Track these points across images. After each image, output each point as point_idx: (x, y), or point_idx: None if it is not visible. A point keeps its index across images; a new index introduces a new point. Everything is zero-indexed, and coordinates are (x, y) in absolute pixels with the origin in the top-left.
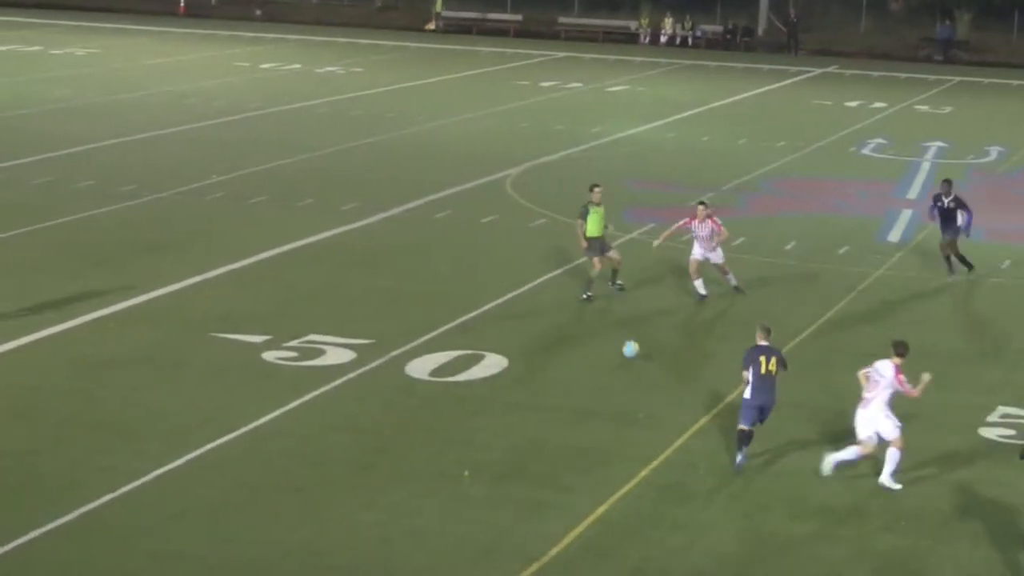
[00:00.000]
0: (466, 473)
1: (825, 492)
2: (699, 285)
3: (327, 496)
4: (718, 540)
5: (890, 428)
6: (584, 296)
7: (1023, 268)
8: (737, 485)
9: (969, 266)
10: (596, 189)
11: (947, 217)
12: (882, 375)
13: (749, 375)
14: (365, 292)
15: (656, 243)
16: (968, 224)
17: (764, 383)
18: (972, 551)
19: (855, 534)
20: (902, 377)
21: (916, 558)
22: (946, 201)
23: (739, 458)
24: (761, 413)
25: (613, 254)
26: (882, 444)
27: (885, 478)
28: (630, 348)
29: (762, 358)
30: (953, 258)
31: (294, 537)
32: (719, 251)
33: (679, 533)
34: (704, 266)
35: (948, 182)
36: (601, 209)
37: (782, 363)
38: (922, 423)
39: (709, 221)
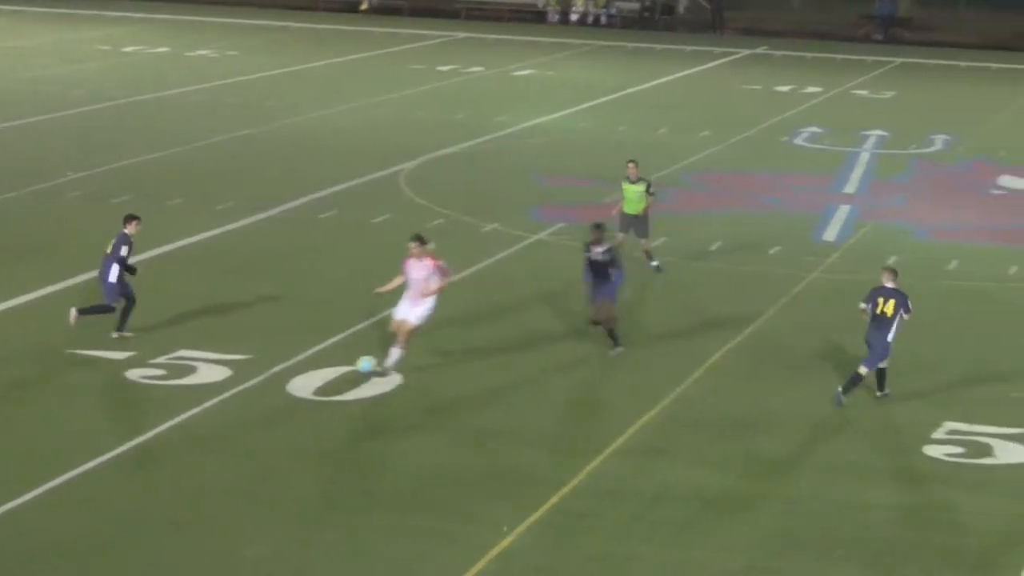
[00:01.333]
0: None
1: (755, 520)
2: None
3: (205, 530)
4: (639, 574)
5: None
6: (653, 265)
7: (971, 269)
8: (659, 513)
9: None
10: (630, 163)
11: None
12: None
13: (867, 311)
14: (242, 302)
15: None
16: None
17: (878, 323)
18: None
19: (790, 566)
20: None
21: None
22: None
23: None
24: (870, 350)
25: (644, 241)
26: None
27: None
28: (366, 364)
29: (880, 299)
30: None
31: None
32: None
33: (595, 567)
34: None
35: None
36: (641, 186)
37: (902, 306)
38: (863, 441)
39: (428, 261)
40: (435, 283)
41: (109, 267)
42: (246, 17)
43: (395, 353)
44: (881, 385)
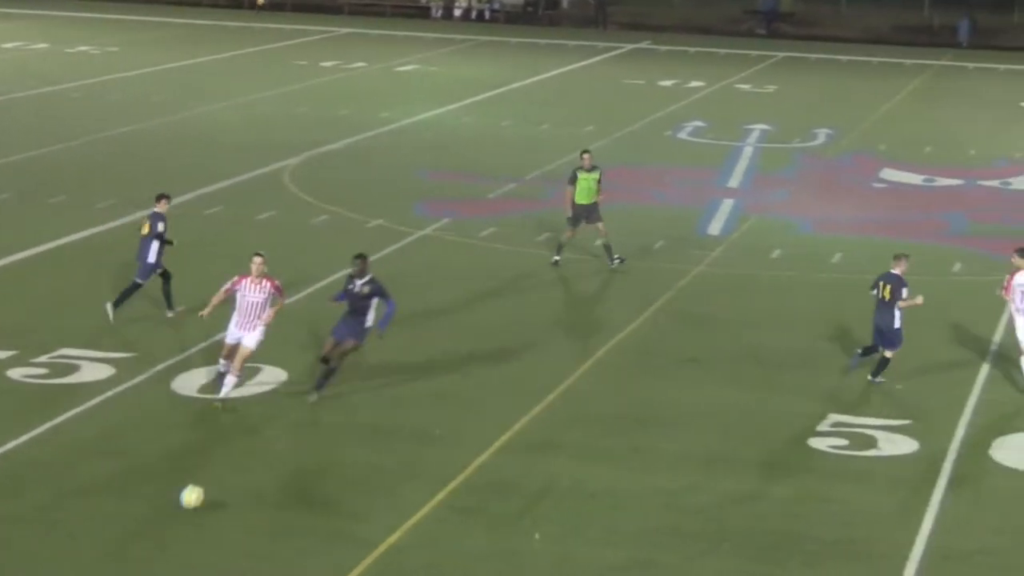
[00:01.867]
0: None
1: (641, 514)
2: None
3: (88, 531)
4: (526, 570)
5: None
6: (553, 261)
7: (855, 262)
8: (545, 507)
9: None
10: (586, 154)
11: None
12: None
13: (875, 296)
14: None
15: (204, 314)
16: None
17: (881, 308)
18: (804, 573)
19: (675, 560)
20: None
21: None
22: None
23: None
24: (880, 335)
25: (600, 225)
26: None
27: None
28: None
29: (881, 283)
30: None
31: None
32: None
33: (483, 564)
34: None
35: None
36: (594, 175)
37: (896, 292)
38: (748, 433)
39: (267, 282)
40: (274, 308)
41: (148, 247)
42: (127, 13)
43: (231, 381)
44: (876, 372)
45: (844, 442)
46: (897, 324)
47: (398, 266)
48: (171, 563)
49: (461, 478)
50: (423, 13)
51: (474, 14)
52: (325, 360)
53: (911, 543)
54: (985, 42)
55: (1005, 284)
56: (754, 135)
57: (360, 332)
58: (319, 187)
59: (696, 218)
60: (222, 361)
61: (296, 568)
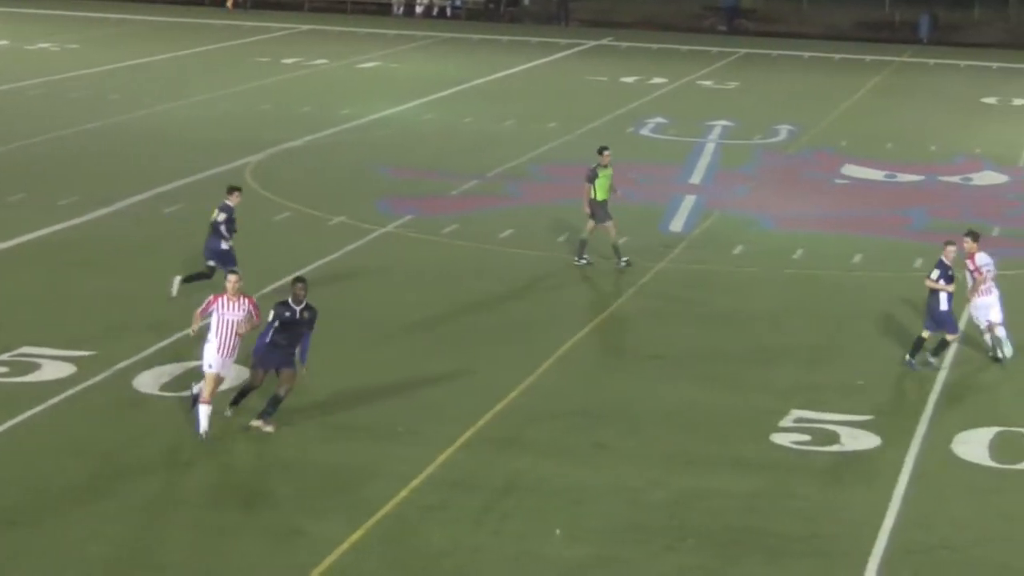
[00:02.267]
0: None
1: (604, 510)
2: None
3: (51, 528)
4: (489, 567)
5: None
6: (580, 261)
7: (816, 258)
8: (508, 504)
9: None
10: (606, 151)
11: None
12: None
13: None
14: (86, 297)
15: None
16: None
17: (931, 292)
18: (766, 569)
19: (638, 556)
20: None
21: None
22: None
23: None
24: (928, 319)
25: (610, 224)
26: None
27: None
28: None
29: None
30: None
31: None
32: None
33: (445, 561)
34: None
35: None
36: (610, 171)
37: (932, 273)
38: (711, 429)
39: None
40: (249, 325)
41: (217, 235)
42: (88, 9)
43: (206, 410)
44: (935, 352)
45: (807, 438)
46: (943, 307)
47: (360, 263)
48: (130, 562)
49: (423, 475)
50: (384, 10)
51: (436, 11)
52: (247, 391)
53: (873, 538)
54: (946, 38)
55: (972, 269)
56: (716, 131)
57: (304, 355)
58: (281, 184)
59: (658, 214)
60: (197, 385)
61: (258, 567)
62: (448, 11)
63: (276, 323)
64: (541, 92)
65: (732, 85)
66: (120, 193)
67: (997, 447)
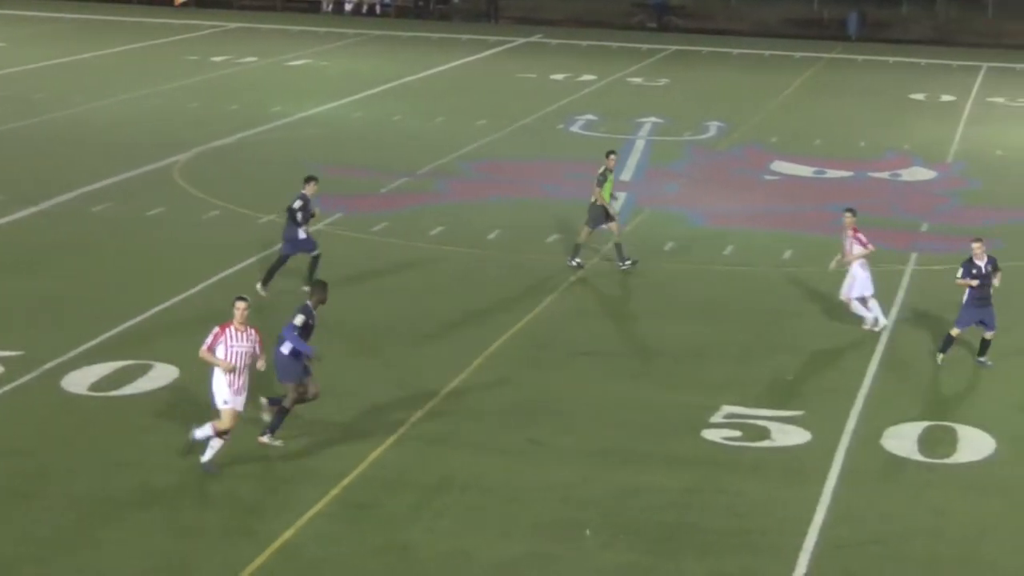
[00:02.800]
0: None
1: (538, 508)
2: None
3: None
4: (422, 564)
5: None
6: (574, 263)
7: (747, 254)
8: (442, 501)
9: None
10: (611, 154)
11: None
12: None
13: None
14: (11, 298)
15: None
16: None
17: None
18: (698, 564)
19: (571, 552)
20: None
21: (639, 574)
22: None
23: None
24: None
25: (613, 225)
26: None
27: None
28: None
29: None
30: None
31: None
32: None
33: (378, 559)
34: None
35: None
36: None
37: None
38: (642, 426)
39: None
40: (260, 359)
41: (292, 225)
42: (14, 7)
43: (218, 444)
44: (981, 351)
45: (737, 433)
46: (964, 300)
47: (290, 262)
48: (57, 562)
49: (355, 473)
50: (314, 8)
51: (365, 8)
52: (293, 405)
53: (804, 533)
54: (874, 35)
55: (862, 244)
56: (646, 128)
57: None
58: (210, 183)
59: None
60: (200, 430)
61: (191, 566)
62: (378, 9)
63: (297, 332)
64: (471, 90)
65: (662, 82)
66: (47, 193)
67: (926, 442)
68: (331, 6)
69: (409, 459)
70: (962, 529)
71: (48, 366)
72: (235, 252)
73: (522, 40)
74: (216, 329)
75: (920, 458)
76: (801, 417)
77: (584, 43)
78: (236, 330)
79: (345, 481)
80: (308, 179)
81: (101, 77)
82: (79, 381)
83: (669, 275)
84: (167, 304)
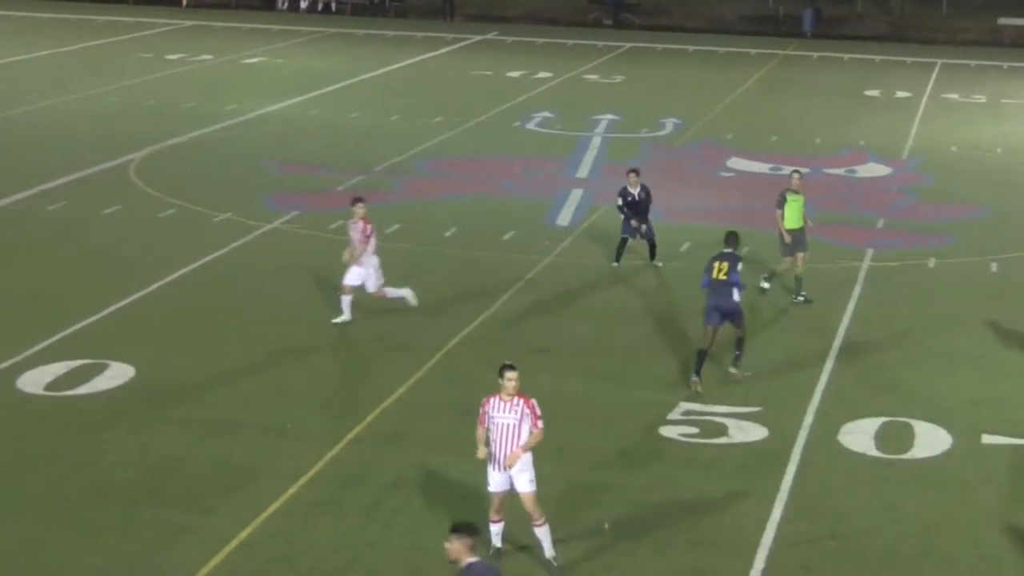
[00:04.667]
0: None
1: None
2: None
3: None
4: (379, 562)
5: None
6: (799, 298)
7: (703, 251)
8: (399, 499)
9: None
10: (794, 173)
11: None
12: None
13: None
14: None
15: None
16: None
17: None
18: (656, 561)
19: (527, 550)
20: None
21: (597, 571)
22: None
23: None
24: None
25: (800, 256)
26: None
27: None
28: None
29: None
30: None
31: None
32: None
33: (335, 557)
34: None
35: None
36: (800, 198)
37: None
38: (599, 423)
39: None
40: (533, 439)
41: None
42: None
43: (497, 529)
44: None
45: (695, 430)
46: None
47: (246, 260)
48: (17, 564)
49: (312, 472)
50: (269, 5)
51: (320, 6)
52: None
53: (761, 530)
54: (829, 31)
55: (369, 234)
56: (602, 125)
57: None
58: (166, 181)
59: (545, 208)
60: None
61: (146, 565)
62: (333, 6)
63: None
64: (427, 87)
65: (618, 79)
66: (1, 191)
67: (883, 437)
68: (286, 4)
69: (366, 457)
70: (919, 524)
71: (3, 366)
72: (191, 251)
73: (478, 37)
74: (484, 400)
75: (877, 454)
76: (758, 413)
77: (540, 40)
78: (502, 400)
79: (302, 480)
80: (633, 170)
81: (55, 75)
82: (35, 381)
83: (625, 272)
84: (123, 303)
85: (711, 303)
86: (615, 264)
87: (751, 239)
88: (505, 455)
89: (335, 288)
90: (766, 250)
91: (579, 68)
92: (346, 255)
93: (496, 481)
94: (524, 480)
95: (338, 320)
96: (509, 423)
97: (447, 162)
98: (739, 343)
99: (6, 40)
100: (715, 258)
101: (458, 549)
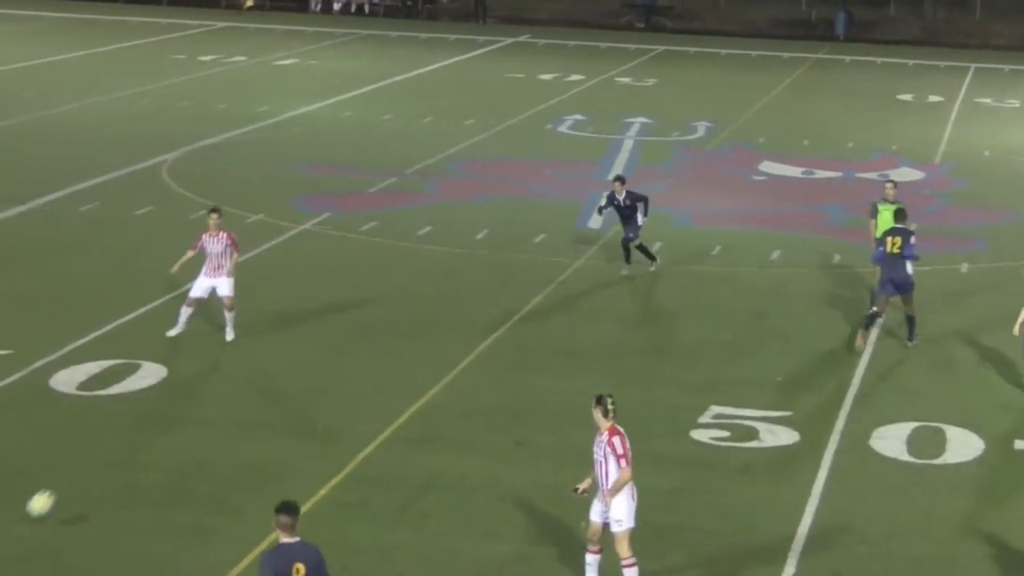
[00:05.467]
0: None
1: (523, 508)
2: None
3: None
4: (408, 564)
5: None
6: (871, 311)
7: (734, 254)
8: (428, 502)
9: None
10: (889, 183)
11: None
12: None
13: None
14: (0, 296)
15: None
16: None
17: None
18: (686, 565)
19: (557, 553)
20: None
21: None
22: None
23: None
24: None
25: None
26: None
27: None
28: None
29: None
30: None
31: None
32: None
33: (363, 559)
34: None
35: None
36: (896, 207)
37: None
38: (631, 424)
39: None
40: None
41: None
42: None
43: (594, 560)
44: None
45: (726, 434)
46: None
47: (278, 261)
48: (46, 563)
49: (343, 474)
50: (302, 7)
51: (353, 8)
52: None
53: (792, 534)
54: (862, 35)
55: (230, 243)
56: (634, 128)
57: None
58: (198, 182)
59: (577, 212)
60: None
61: (176, 565)
62: (366, 8)
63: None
64: (459, 89)
65: (650, 82)
66: (34, 192)
67: (914, 442)
68: (319, 5)
69: (396, 459)
70: (950, 530)
71: (36, 365)
72: (239, 251)
73: (510, 40)
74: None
75: (908, 459)
76: (789, 417)
77: (572, 43)
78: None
79: (332, 481)
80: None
81: (88, 76)
82: (67, 380)
83: (656, 275)
84: (155, 303)
85: (885, 276)
86: (652, 268)
87: (784, 243)
88: (600, 488)
89: (365, 289)
90: (802, 253)
91: (611, 71)
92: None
93: (594, 511)
94: (612, 519)
95: (172, 333)
96: (598, 459)
97: (479, 164)
98: (910, 321)
99: (40, 41)
100: (887, 233)
101: (279, 527)
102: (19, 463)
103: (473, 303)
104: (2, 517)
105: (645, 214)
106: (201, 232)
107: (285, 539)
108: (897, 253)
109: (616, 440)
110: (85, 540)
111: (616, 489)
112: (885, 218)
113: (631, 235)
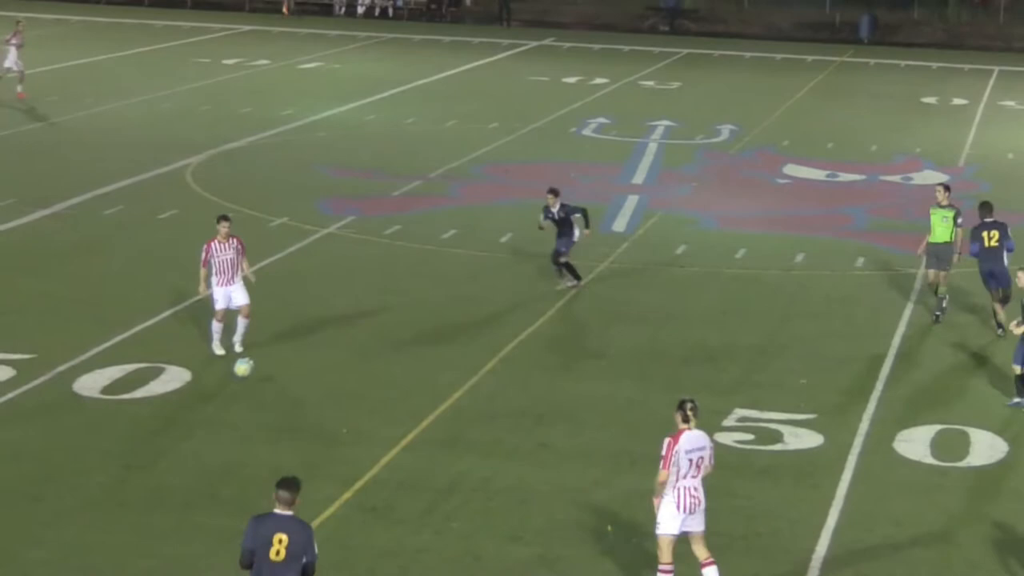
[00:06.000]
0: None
1: (548, 511)
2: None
3: None
4: (433, 567)
5: None
6: (935, 317)
7: (759, 257)
8: (453, 505)
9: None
10: (939, 187)
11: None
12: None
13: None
14: (24, 300)
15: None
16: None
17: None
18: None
19: (582, 555)
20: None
21: None
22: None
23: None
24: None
25: (943, 274)
26: None
27: None
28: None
29: (984, 233)
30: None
31: None
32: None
33: (388, 562)
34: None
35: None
36: (949, 212)
37: (1005, 234)
38: (654, 429)
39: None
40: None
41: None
42: (23, 9)
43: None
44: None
45: (750, 437)
46: None
47: (302, 265)
48: (71, 566)
49: (367, 477)
50: (326, 10)
51: (377, 11)
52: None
53: (816, 537)
54: (886, 38)
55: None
56: (658, 131)
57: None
58: (222, 185)
59: (601, 214)
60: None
61: (201, 569)
62: (390, 11)
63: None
64: (483, 93)
65: (674, 85)
66: (59, 195)
67: (939, 445)
68: (343, 9)
69: (421, 462)
70: (973, 533)
71: (60, 369)
72: (247, 255)
73: (534, 43)
74: (667, 440)
75: (932, 461)
76: (814, 420)
77: (596, 46)
78: (682, 437)
79: (357, 484)
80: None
81: (112, 79)
82: (91, 384)
83: (681, 278)
84: (179, 307)
85: (985, 269)
86: (571, 284)
87: (808, 246)
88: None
89: (390, 292)
90: (826, 256)
91: (635, 74)
92: (202, 287)
93: (674, 524)
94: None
95: (219, 351)
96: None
97: (503, 167)
98: (1004, 300)
99: (64, 44)
100: (980, 228)
101: (277, 500)
102: (44, 468)
103: (497, 306)
104: (28, 521)
105: (586, 227)
106: (207, 243)
107: (278, 511)
108: (996, 246)
109: (665, 441)
110: (111, 543)
111: (657, 492)
112: (935, 222)
113: (562, 249)
